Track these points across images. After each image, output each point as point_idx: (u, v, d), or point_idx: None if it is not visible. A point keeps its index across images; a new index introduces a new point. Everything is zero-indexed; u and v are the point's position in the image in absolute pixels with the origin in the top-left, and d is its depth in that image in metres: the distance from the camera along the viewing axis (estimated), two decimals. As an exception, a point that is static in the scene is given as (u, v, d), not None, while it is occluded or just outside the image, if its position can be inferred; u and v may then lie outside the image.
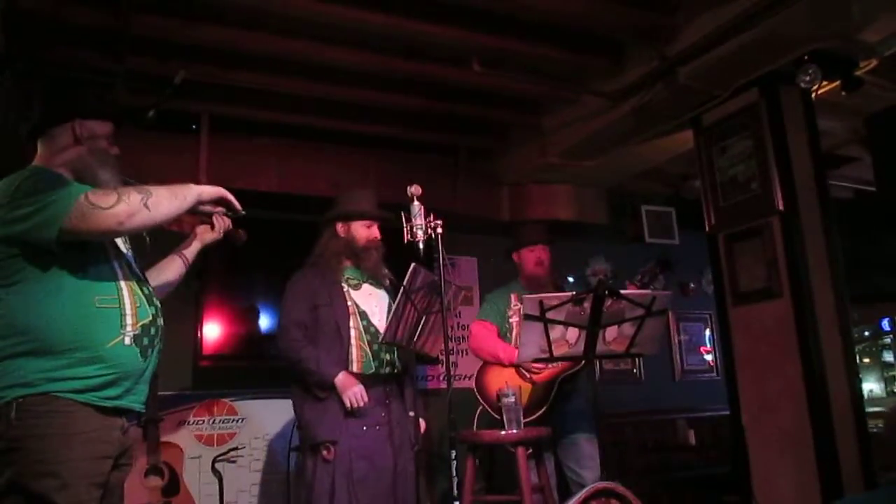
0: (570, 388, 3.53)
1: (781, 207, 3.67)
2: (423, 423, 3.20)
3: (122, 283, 2.09)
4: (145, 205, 1.98)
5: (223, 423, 4.44)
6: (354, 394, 2.94)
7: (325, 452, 2.93)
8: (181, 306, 4.38)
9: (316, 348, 3.04)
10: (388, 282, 3.24)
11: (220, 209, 2.31)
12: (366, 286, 3.22)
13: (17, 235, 1.92)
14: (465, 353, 5.34)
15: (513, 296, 3.74)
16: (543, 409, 3.45)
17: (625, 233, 5.77)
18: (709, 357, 6.35)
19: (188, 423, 4.35)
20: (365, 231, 3.21)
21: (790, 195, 3.69)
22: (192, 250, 2.47)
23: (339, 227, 3.23)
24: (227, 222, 2.45)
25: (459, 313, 5.37)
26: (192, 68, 3.76)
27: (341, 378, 2.97)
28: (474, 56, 3.73)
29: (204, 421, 4.39)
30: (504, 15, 3.61)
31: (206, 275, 4.47)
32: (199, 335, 4.40)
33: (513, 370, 3.57)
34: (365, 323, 3.12)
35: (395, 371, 3.14)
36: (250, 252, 4.63)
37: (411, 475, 3.03)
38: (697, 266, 5.95)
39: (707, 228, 4.09)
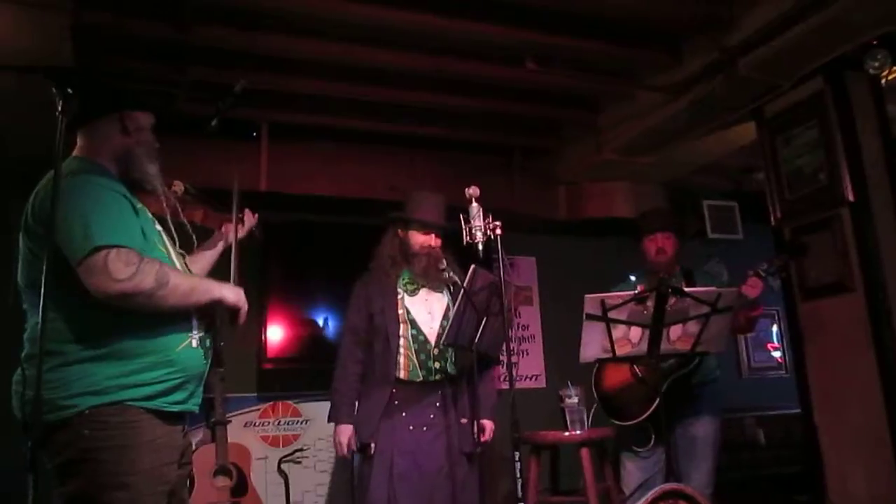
0: (692, 383, 3.41)
1: (851, 198, 3.54)
2: (488, 426, 3.16)
3: None
4: (153, 292, 1.93)
5: (288, 424, 4.52)
6: (338, 445, 3.10)
7: (367, 450, 3.03)
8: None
9: (361, 373, 3.16)
10: (451, 286, 3.20)
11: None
12: (423, 291, 3.22)
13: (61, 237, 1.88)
14: (526, 353, 5.33)
15: (639, 287, 3.60)
16: (653, 408, 3.25)
17: (687, 229, 5.65)
18: (776, 354, 6.19)
19: (254, 425, 4.43)
20: (421, 238, 3.20)
21: (860, 185, 3.55)
22: (219, 248, 2.49)
23: (399, 229, 3.26)
24: (254, 221, 2.53)
25: (519, 313, 5.36)
26: (251, 76, 3.82)
27: (339, 427, 3.10)
28: (527, 54, 3.70)
29: (269, 422, 4.48)
30: (556, 11, 3.57)
31: (268, 279, 4.55)
32: (262, 339, 4.47)
33: (628, 366, 3.44)
34: (414, 331, 3.13)
35: (448, 377, 3.13)
36: (311, 256, 4.73)
37: (471, 481, 3.01)
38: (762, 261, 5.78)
39: (772, 222, 3.98)
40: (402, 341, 3.10)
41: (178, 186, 2.35)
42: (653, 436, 3.30)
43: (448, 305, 3.19)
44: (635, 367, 3.43)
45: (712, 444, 3.42)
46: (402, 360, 3.08)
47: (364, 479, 3.04)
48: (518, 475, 2.55)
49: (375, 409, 3.04)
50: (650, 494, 2.33)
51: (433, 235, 3.21)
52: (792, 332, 3.95)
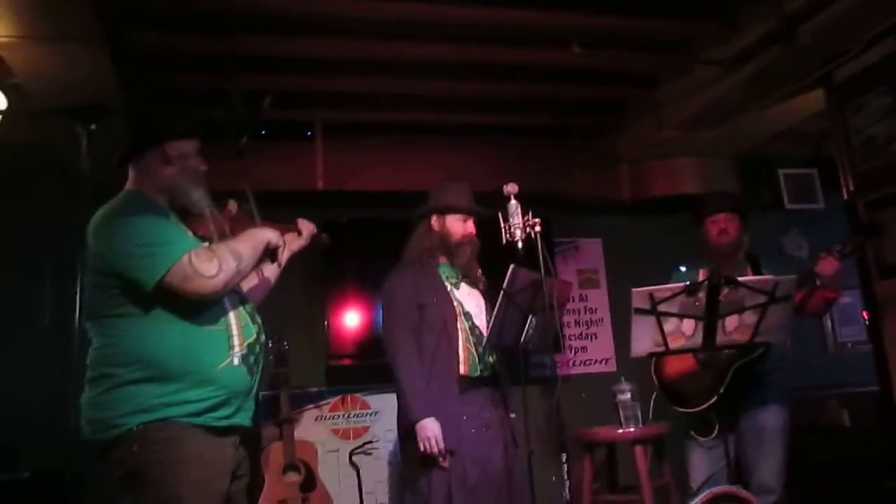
0: (760, 370, 3.28)
1: (929, 168, 3.30)
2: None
3: (228, 305, 2.18)
4: (238, 270, 2.12)
5: (357, 417, 4.61)
6: (429, 439, 2.81)
7: (441, 460, 2.83)
8: (311, 307, 4.58)
9: (422, 366, 2.93)
10: (482, 284, 3.15)
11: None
12: (464, 285, 3.13)
13: (117, 271, 2.03)
14: (594, 336, 5.25)
15: (702, 272, 3.41)
16: (715, 398, 3.14)
17: (761, 200, 5.40)
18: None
19: (324, 419, 4.54)
20: (461, 226, 3.13)
21: (939, 154, 3.31)
22: (283, 257, 2.48)
23: (434, 221, 3.17)
24: (312, 227, 2.51)
25: (586, 296, 5.27)
26: (298, 79, 3.88)
27: (426, 421, 2.83)
28: (574, 38, 3.60)
29: (339, 416, 4.58)
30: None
31: (331, 275, 4.63)
32: (328, 335, 4.57)
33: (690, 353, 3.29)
34: (469, 324, 3.05)
35: (497, 371, 3.08)
36: (372, 250, 4.77)
37: (524, 477, 2.95)
38: (846, 232, 5.46)
39: (845, 195, 3.75)
40: (461, 334, 3.00)
41: (233, 206, 2.40)
42: (716, 426, 3.19)
43: (485, 304, 3.12)
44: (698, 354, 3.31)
45: (781, 433, 3.29)
46: (462, 353, 2.98)
47: (431, 490, 2.84)
48: (566, 476, 2.53)
49: (450, 411, 2.88)
50: (699, 497, 2.26)
51: (471, 222, 3.15)
52: (869, 310, 3.73)
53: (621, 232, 5.29)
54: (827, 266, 3.17)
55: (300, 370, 4.39)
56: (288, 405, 4.01)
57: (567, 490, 2.50)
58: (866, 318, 5.88)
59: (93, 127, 1.92)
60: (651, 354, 2.91)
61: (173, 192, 2.23)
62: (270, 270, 2.52)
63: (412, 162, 4.64)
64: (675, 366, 3.35)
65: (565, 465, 2.49)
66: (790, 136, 5.07)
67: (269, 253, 2.28)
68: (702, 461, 3.31)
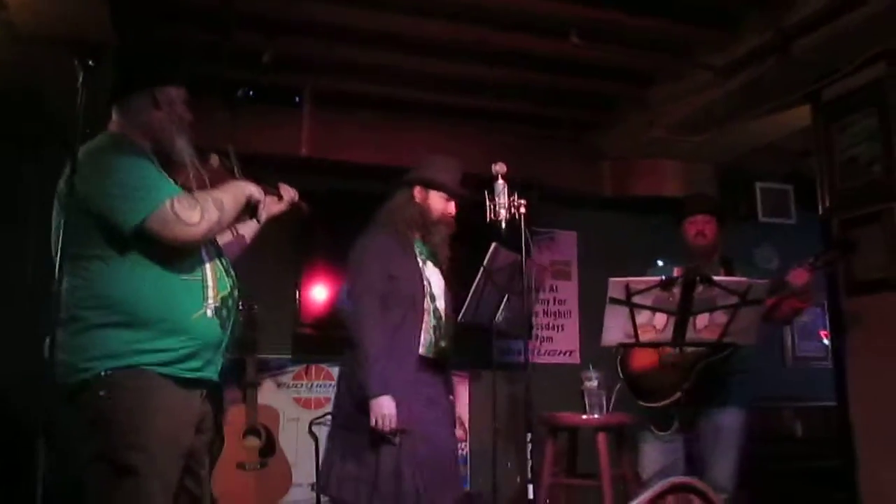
0: (723, 372, 3.33)
1: (905, 192, 3.38)
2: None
3: (205, 256, 2.16)
4: (219, 220, 2.09)
5: (320, 387, 4.61)
6: (383, 417, 2.73)
7: (395, 438, 2.77)
8: (282, 275, 4.56)
9: (384, 339, 2.83)
10: (444, 266, 3.07)
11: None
12: (430, 264, 3.06)
13: (96, 211, 1.98)
14: (561, 328, 5.30)
15: (676, 269, 3.45)
16: (679, 395, 3.20)
17: (737, 211, 5.49)
18: (828, 342, 5.99)
19: (287, 387, 4.53)
20: (442, 204, 3.05)
21: (916, 179, 3.38)
22: (262, 216, 2.41)
23: (417, 192, 3.07)
24: (293, 194, 2.47)
25: (557, 287, 5.31)
26: (294, 44, 3.84)
27: (383, 399, 2.75)
28: (573, 28, 3.61)
29: (302, 385, 4.58)
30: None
31: (307, 244, 4.61)
32: (298, 303, 4.55)
33: (656, 349, 3.36)
34: (434, 305, 2.98)
35: (446, 355, 3.04)
36: (351, 223, 4.75)
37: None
38: (817, 248, 5.58)
39: (821, 211, 3.82)
40: (425, 315, 2.93)
41: (214, 160, 2.37)
42: (675, 422, 3.25)
43: (444, 288, 3.06)
44: (665, 350, 3.37)
45: (738, 435, 3.36)
46: (423, 334, 2.92)
47: (369, 461, 2.80)
48: (528, 457, 2.55)
49: (405, 388, 2.81)
50: (658, 487, 2.30)
51: (453, 204, 3.07)
52: (834, 326, 3.82)
53: (598, 227, 5.35)
54: (798, 277, 3.24)
55: (267, 337, 4.36)
56: (254, 369, 3.99)
57: (529, 470, 2.51)
58: (825, 336, 6.07)
59: (91, 63, 1.86)
60: (620, 345, 2.95)
61: (158, 138, 2.18)
62: (247, 229, 2.47)
63: (398, 139, 4.62)
64: (641, 360, 3.40)
65: (529, 445, 2.50)
66: (770, 151, 5.16)
67: (250, 208, 2.26)
68: (656, 453, 3.37)
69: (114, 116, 2.19)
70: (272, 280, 4.47)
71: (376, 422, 2.73)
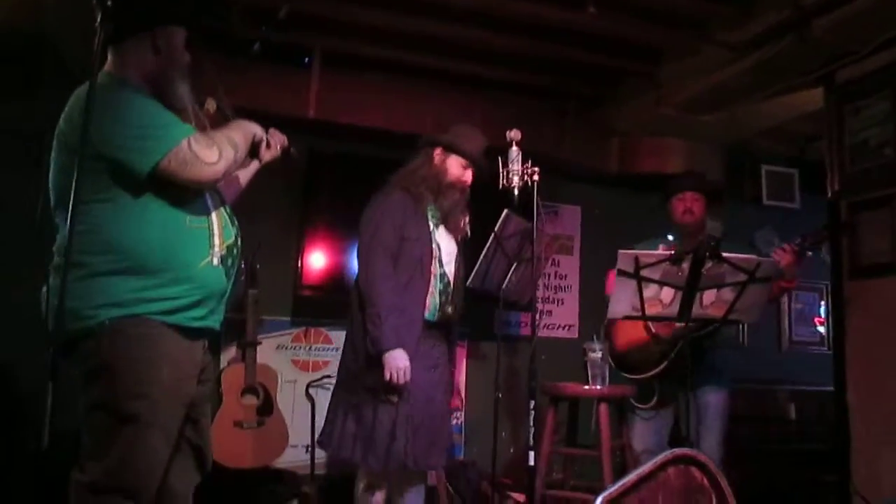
0: (708, 345, 3.37)
1: (916, 177, 3.37)
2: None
3: (210, 204, 2.12)
4: (235, 159, 2.07)
5: (318, 350, 4.60)
6: (399, 370, 2.77)
7: (392, 398, 2.83)
8: (284, 237, 4.54)
9: (395, 297, 2.86)
10: (460, 235, 3.10)
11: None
12: (442, 228, 3.08)
13: (108, 154, 1.92)
14: (561, 302, 5.30)
15: (661, 247, 3.51)
16: (662, 366, 3.29)
17: (742, 193, 5.49)
18: (822, 329, 6.03)
19: (285, 348, 4.53)
20: (459, 170, 3.07)
21: (926, 164, 3.38)
22: (252, 168, 2.44)
23: (437, 154, 3.09)
24: (283, 139, 2.40)
25: (558, 262, 5.31)
26: (307, 2, 3.79)
27: (398, 352, 2.80)
28: (590, -1, 3.57)
29: (300, 347, 4.57)
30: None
31: (310, 206, 4.58)
32: (300, 265, 4.53)
33: (642, 323, 3.41)
34: (441, 270, 3.01)
35: (451, 323, 3.08)
36: (355, 186, 4.72)
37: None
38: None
39: (829, 194, 3.82)
40: (432, 279, 2.97)
41: (211, 104, 2.35)
42: (655, 397, 3.29)
43: (457, 252, 3.09)
44: (650, 325, 3.41)
45: (722, 413, 3.41)
46: (428, 298, 2.96)
47: (366, 419, 2.85)
48: (531, 424, 2.55)
49: (409, 347, 2.85)
50: (661, 457, 2.31)
51: (470, 172, 3.09)
52: (835, 308, 3.83)
53: (602, 203, 5.34)
54: (783, 257, 3.24)
55: (267, 298, 4.35)
56: (253, 328, 3.98)
57: (531, 438, 2.52)
58: (819, 323, 6.11)
59: (109, 2, 1.81)
60: (627, 317, 2.95)
61: (158, 82, 2.11)
62: (244, 172, 2.43)
63: (406, 104, 4.58)
64: (627, 336, 3.43)
65: (532, 413, 2.51)
66: (778, 134, 5.15)
67: (253, 148, 2.25)
68: (644, 430, 3.42)
69: (110, 58, 2.10)
70: (274, 241, 4.45)
71: (391, 375, 2.77)
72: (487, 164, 3.02)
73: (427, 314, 2.96)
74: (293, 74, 4.33)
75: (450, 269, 3.03)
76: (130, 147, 1.93)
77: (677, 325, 3.05)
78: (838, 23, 3.37)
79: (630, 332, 3.42)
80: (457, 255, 3.08)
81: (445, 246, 3.06)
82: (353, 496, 3.01)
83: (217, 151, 2.00)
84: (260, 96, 4.03)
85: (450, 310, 3.02)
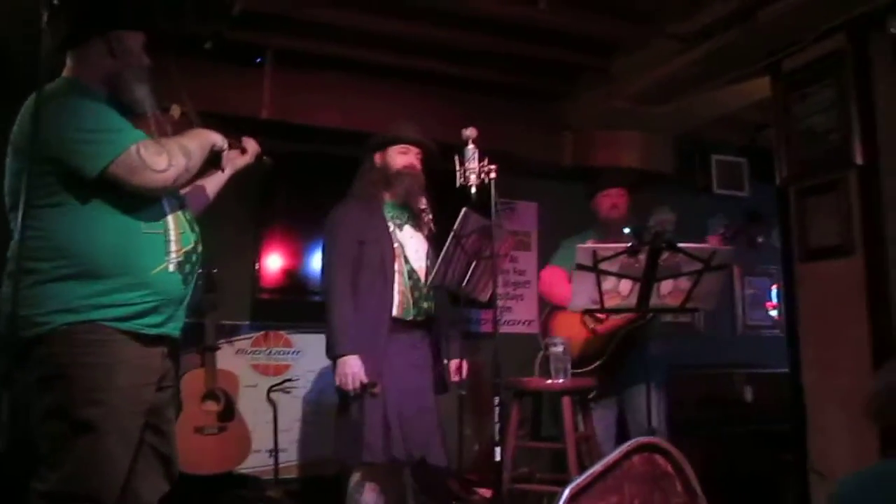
0: (640, 339, 3.47)
1: (860, 161, 3.44)
2: (465, 366, 3.16)
3: (167, 209, 2.10)
4: (187, 167, 2.05)
5: (279, 354, 4.56)
6: (346, 376, 2.87)
7: (373, 390, 2.88)
8: (241, 239, 4.48)
9: (354, 305, 2.94)
10: (427, 230, 3.16)
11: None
12: (408, 227, 3.15)
13: (58, 158, 1.90)
14: (521, 298, 5.33)
15: (589, 242, 3.63)
16: (602, 360, 3.47)
17: (693, 183, 5.58)
18: (774, 313, 6.18)
19: (245, 353, 4.47)
20: (401, 158, 3.13)
21: (871, 149, 3.45)
22: (225, 175, 2.45)
23: (377, 157, 3.18)
24: (258, 147, 2.44)
25: (517, 258, 5.34)
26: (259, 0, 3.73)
27: (348, 359, 2.88)
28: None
29: (261, 351, 4.52)
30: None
31: (267, 208, 4.53)
32: (257, 268, 4.48)
33: (579, 318, 3.55)
34: (409, 267, 3.06)
35: (430, 317, 3.11)
36: (312, 187, 4.68)
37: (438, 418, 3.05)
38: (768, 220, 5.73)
39: (777, 181, 3.90)
40: (398, 276, 3.01)
41: (176, 110, 2.32)
42: (594, 390, 3.40)
43: (427, 248, 3.14)
44: (586, 318, 3.51)
45: (660, 401, 3.55)
46: (397, 296, 3.00)
47: (354, 415, 2.91)
48: (497, 419, 2.57)
49: (375, 347, 2.91)
50: (624, 447, 2.34)
51: (413, 154, 3.15)
52: (787, 291, 3.92)
53: (558, 198, 5.37)
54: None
55: (226, 301, 4.29)
56: (213, 333, 3.93)
57: (497, 433, 2.54)
58: (770, 307, 6.26)
59: (55, 2, 1.77)
60: (552, 309, 3.05)
61: (116, 87, 2.10)
62: (211, 183, 2.44)
63: (361, 102, 4.54)
64: (566, 332, 3.50)
65: (497, 409, 2.52)
66: (728, 122, 5.24)
67: (214, 158, 2.22)
68: (595, 420, 3.50)
69: (69, 63, 2.10)
70: (231, 244, 4.38)
71: (340, 381, 2.87)
72: (423, 139, 3.17)
73: (401, 312, 3.01)
74: (247, 74, 4.27)
75: (419, 265, 3.08)
76: (79, 151, 1.91)
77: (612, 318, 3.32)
78: (783, 12, 3.45)
79: (568, 327, 3.53)
80: (428, 251, 3.12)
81: (413, 243, 3.12)
82: (345, 493, 3.03)
83: (167, 159, 1.98)
84: (212, 97, 3.96)
85: (425, 305, 3.05)
